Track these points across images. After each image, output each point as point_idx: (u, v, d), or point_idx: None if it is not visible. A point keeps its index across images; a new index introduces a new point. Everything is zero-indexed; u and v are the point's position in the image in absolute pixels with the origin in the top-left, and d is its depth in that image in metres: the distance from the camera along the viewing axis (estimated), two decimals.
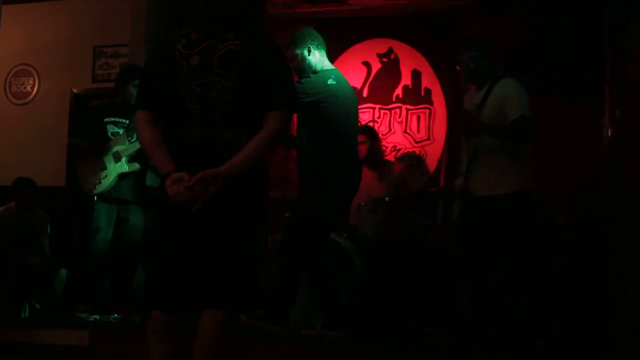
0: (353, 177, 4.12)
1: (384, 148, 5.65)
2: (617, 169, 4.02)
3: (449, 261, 4.62)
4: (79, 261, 4.91)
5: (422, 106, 5.80)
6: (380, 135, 5.51)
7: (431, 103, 5.77)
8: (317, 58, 4.08)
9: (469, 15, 5.71)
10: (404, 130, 5.81)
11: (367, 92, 5.96)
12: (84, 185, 4.78)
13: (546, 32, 5.24)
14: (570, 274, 4.39)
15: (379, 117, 5.85)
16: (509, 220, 3.74)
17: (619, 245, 3.81)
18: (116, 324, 4.46)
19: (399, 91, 5.88)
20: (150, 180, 4.78)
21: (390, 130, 5.80)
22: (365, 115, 5.89)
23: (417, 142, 5.76)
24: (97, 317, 4.55)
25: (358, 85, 5.97)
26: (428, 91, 5.80)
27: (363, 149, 5.11)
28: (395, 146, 5.77)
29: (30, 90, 6.86)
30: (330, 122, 3.96)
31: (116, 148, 4.77)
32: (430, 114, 5.76)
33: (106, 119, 4.85)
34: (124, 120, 4.85)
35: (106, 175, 4.74)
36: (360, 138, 5.13)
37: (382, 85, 5.92)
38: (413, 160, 5.72)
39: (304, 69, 4.04)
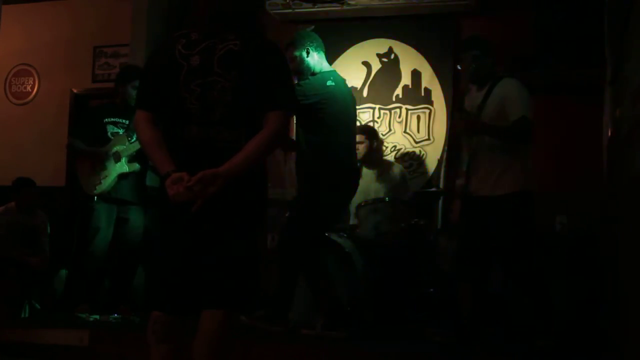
0: (351, 179, 4.13)
1: (384, 148, 5.65)
2: (617, 169, 4.02)
3: (450, 261, 4.63)
4: (79, 261, 4.91)
5: (422, 106, 5.79)
6: (380, 135, 5.52)
7: (431, 103, 5.76)
8: (316, 60, 4.09)
9: (469, 15, 5.71)
10: (404, 130, 5.80)
11: (367, 92, 5.95)
12: (84, 186, 4.78)
13: (546, 32, 5.23)
14: (570, 274, 4.39)
15: (379, 117, 5.85)
16: (510, 220, 3.73)
17: (618, 245, 3.81)
18: (116, 324, 4.46)
19: (399, 91, 5.88)
20: (150, 180, 4.79)
21: (390, 130, 5.80)
22: (365, 115, 5.89)
23: (417, 142, 5.75)
24: (97, 317, 4.56)
25: (358, 85, 5.96)
26: (428, 91, 5.79)
27: (362, 148, 5.12)
28: (395, 146, 5.77)
29: (30, 90, 6.86)
30: (329, 124, 3.97)
31: (116, 148, 4.77)
32: (430, 114, 5.75)
33: (106, 119, 4.85)
34: (123, 121, 4.85)
35: (106, 176, 4.74)
36: (360, 137, 5.14)
37: (382, 85, 5.92)
38: (413, 160, 5.72)
39: (303, 70, 4.05)
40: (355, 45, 6.02)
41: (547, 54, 5.18)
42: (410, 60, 5.86)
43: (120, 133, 4.83)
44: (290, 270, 4.06)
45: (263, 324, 3.96)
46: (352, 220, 5.08)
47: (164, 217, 2.47)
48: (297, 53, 4.04)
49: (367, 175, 5.20)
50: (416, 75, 5.84)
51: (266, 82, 2.38)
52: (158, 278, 2.48)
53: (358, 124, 5.78)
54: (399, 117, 5.83)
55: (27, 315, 5.11)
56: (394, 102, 5.87)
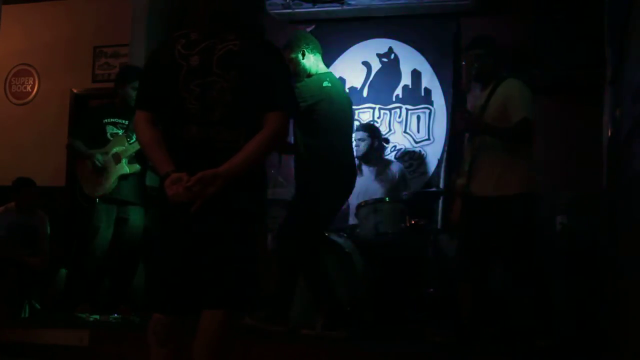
0: (349, 180, 4.14)
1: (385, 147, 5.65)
2: (617, 169, 4.02)
3: (450, 261, 4.63)
4: (79, 261, 4.91)
5: (422, 106, 5.79)
6: (382, 134, 5.53)
7: (431, 103, 5.76)
8: (312, 61, 4.11)
9: (469, 15, 5.71)
10: (404, 130, 5.80)
11: (367, 92, 5.96)
12: (85, 187, 4.78)
13: (546, 32, 5.23)
14: (570, 274, 4.39)
15: (379, 117, 5.85)
16: (512, 221, 3.73)
17: (618, 245, 3.81)
18: (116, 324, 4.46)
19: (399, 91, 5.88)
20: (150, 180, 4.79)
21: (390, 130, 5.80)
22: (365, 115, 5.89)
23: (417, 142, 5.75)
24: (97, 317, 4.56)
25: (358, 85, 5.97)
26: (428, 91, 5.79)
27: (363, 145, 5.14)
28: (395, 146, 5.77)
29: (30, 90, 6.86)
30: (327, 125, 3.98)
31: (115, 149, 4.77)
32: (430, 114, 5.75)
33: (105, 120, 4.85)
34: (123, 121, 4.85)
35: (107, 178, 4.74)
36: (362, 135, 5.16)
37: (382, 85, 5.92)
38: (413, 160, 5.72)
39: (299, 72, 4.06)
40: (355, 45, 6.02)
41: (547, 54, 5.18)
42: (410, 60, 5.86)
43: (120, 133, 4.82)
44: (290, 270, 4.06)
45: (264, 324, 3.97)
46: (352, 220, 5.09)
47: (164, 217, 2.47)
48: (292, 55, 4.06)
49: (367, 173, 5.22)
50: (416, 75, 5.84)
51: (265, 82, 2.38)
52: (158, 278, 2.48)
53: (358, 123, 5.82)
54: (399, 117, 5.83)
55: (27, 315, 5.10)
56: (394, 102, 5.87)
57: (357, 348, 3.79)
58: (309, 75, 4.09)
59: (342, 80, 5.93)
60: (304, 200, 4.07)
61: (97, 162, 4.71)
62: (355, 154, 5.18)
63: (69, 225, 5.81)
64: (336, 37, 5.97)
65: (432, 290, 4.67)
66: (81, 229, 4.99)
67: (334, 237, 4.60)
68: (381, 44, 5.95)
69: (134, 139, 4.64)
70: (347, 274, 4.46)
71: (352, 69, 5.98)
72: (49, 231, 5.64)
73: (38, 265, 5.39)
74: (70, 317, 4.59)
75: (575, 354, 3.91)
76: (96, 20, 6.65)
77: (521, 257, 3.74)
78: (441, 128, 5.69)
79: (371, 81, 5.96)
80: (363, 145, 5.17)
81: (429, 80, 5.78)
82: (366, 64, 5.98)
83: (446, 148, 5.62)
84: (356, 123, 5.84)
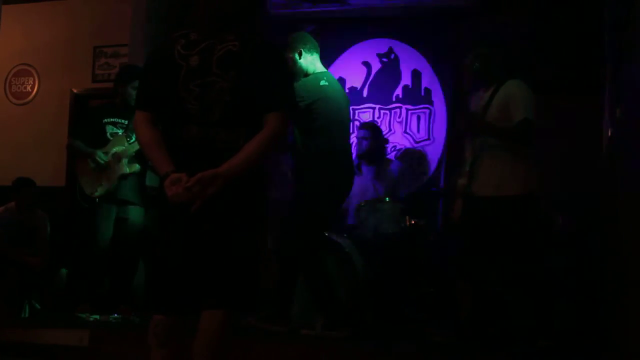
0: (347, 179, 4.14)
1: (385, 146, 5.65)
2: (617, 168, 4.02)
3: (451, 260, 4.63)
4: (79, 261, 4.91)
5: (422, 106, 5.79)
6: (383, 134, 5.53)
7: (431, 103, 5.76)
8: (309, 61, 4.14)
9: (469, 15, 5.71)
10: (404, 130, 5.80)
11: (367, 92, 5.96)
12: (85, 187, 4.78)
13: (546, 32, 5.23)
14: (570, 274, 4.39)
15: (379, 117, 5.85)
16: (514, 222, 3.73)
17: (618, 245, 3.81)
18: (116, 324, 4.46)
19: (399, 91, 5.88)
20: (150, 180, 4.78)
21: (390, 130, 5.80)
22: (365, 115, 5.89)
23: (417, 142, 5.75)
24: (97, 317, 4.56)
25: (358, 85, 5.97)
26: (428, 91, 5.79)
27: (365, 144, 5.15)
28: (395, 146, 5.77)
29: (30, 90, 6.86)
30: (325, 124, 3.99)
31: (115, 149, 4.77)
32: (430, 114, 5.75)
33: (105, 120, 4.85)
34: (123, 121, 4.85)
35: (106, 177, 4.74)
36: (363, 133, 5.18)
37: (382, 85, 5.92)
38: (413, 160, 5.72)
39: (296, 72, 4.08)
40: (355, 45, 6.02)
41: (547, 54, 5.18)
42: (410, 60, 5.86)
43: (120, 133, 4.82)
44: (290, 270, 4.06)
45: (265, 324, 3.97)
46: (352, 220, 5.09)
47: (164, 218, 2.47)
48: (289, 55, 4.07)
49: (366, 172, 5.22)
50: (416, 75, 5.84)
51: (265, 82, 2.38)
52: (158, 278, 2.47)
53: (358, 124, 5.82)
54: (399, 117, 5.83)
55: (27, 315, 5.10)
56: (394, 102, 5.87)
57: (357, 348, 3.79)
58: (306, 74, 4.11)
59: (342, 81, 5.94)
60: (303, 200, 4.08)
61: (99, 159, 4.71)
62: (357, 152, 5.21)
63: (69, 225, 5.81)
64: (336, 37, 5.97)
65: (432, 290, 4.67)
66: (81, 229, 4.99)
67: (334, 237, 4.60)
68: (381, 44, 5.95)
69: (134, 139, 4.64)
70: (347, 274, 4.46)
71: (352, 69, 5.98)
72: (49, 231, 5.64)
73: (38, 265, 5.39)
74: (70, 317, 4.60)
75: (575, 354, 3.91)
76: (96, 20, 6.65)
77: (522, 257, 3.74)
78: (441, 128, 5.69)
79: (371, 81, 5.96)
80: (365, 144, 5.18)
81: (429, 80, 5.78)
82: (366, 64, 5.98)
83: (446, 148, 5.62)
84: (357, 123, 5.87)
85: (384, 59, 5.94)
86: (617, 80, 4.17)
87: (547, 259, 4.22)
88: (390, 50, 5.93)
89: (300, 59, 4.11)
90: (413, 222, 4.72)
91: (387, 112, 5.86)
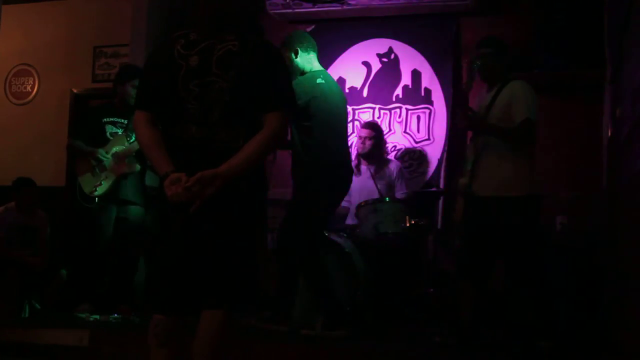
0: (343, 177, 4.14)
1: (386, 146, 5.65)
2: (617, 168, 4.02)
3: (450, 261, 4.63)
4: (79, 261, 4.91)
5: (422, 106, 5.79)
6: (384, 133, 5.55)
7: (431, 103, 5.76)
8: (305, 60, 4.16)
9: (469, 15, 5.71)
10: (404, 130, 5.80)
11: (367, 92, 5.95)
12: (85, 187, 4.78)
13: (546, 32, 5.23)
14: (570, 274, 4.39)
15: (379, 117, 5.85)
16: (517, 223, 3.73)
17: (618, 245, 3.81)
18: (116, 324, 4.46)
19: (399, 91, 5.87)
20: (150, 180, 4.79)
21: (390, 130, 5.80)
22: (365, 115, 5.89)
23: (417, 142, 5.75)
24: (97, 317, 4.56)
25: (358, 85, 5.96)
26: (428, 91, 5.79)
27: (368, 143, 5.16)
28: (395, 146, 5.77)
29: (30, 90, 6.86)
30: (322, 122, 3.99)
31: (115, 149, 4.77)
32: (430, 114, 5.75)
33: (104, 119, 4.85)
34: (122, 121, 4.86)
35: (106, 177, 4.74)
36: (368, 133, 5.18)
37: (382, 85, 5.92)
38: (413, 160, 5.72)
39: (292, 71, 4.08)
40: (355, 45, 6.01)
41: (547, 54, 5.18)
42: (410, 60, 5.86)
43: (119, 133, 4.82)
44: (291, 270, 4.07)
45: (267, 325, 3.98)
46: (352, 220, 5.09)
47: (164, 218, 2.47)
48: (285, 54, 4.08)
49: (365, 172, 5.23)
50: (416, 75, 5.84)
51: (265, 83, 2.38)
52: (158, 278, 2.48)
53: (358, 124, 5.82)
54: (399, 117, 5.83)
55: (27, 315, 5.10)
56: (394, 102, 5.86)
57: (357, 348, 3.79)
58: (303, 73, 4.13)
59: (342, 81, 5.94)
60: (302, 199, 4.08)
61: (101, 157, 4.71)
62: (360, 152, 5.21)
63: (69, 225, 5.80)
64: (336, 37, 5.97)
65: (432, 290, 4.67)
66: (81, 229, 4.99)
67: (334, 237, 4.60)
68: (381, 44, 5.95)
69: (134, 139, 4.64)
70: (347, 274, 4.46)
71: (352, 69, 5.97)
72: (49, 231, 5.64)
73: (38, 265, 5.39)
74: (70, 317, 4.60)
75: (576, 354, 3.91)
76: (96, 20, 6.65)
77: (523, 258, 3.74)
78: (441, 128, 5.68)
79: (371, 81, 5.96)
80: (369, 144, 5.20)
81: (429, 80, 5.78)
82: (366, 64, 5.98)
83: (446, 148, 5.62)
84: (357, 123, 5.87)
85: (384, 59, 5.94)
86: (617, 81, 4.17)
87: (547, 259, 4.22)
88: (390, 50, 5.92)
89: (296, 57, 4.13)
90: (413, 222, 4.72)
91: (387, 112, 5.86)
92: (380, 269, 4.66)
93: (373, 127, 5.30)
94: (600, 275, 4.25)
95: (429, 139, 5.73)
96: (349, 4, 5.73)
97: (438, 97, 5.74)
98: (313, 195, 4.00)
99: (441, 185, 5.55)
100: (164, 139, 2.42)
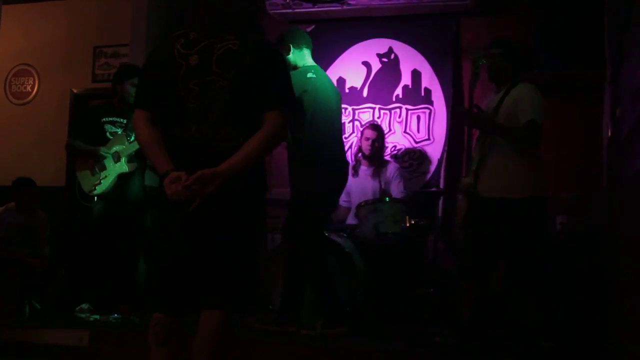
0: (337, 172, 4.14)
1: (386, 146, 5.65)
2: (617, 168, 4.02)
3: (450, 261, 4.63)
4: (79, 261, 4.91)
5: (422, 106, 5.79)
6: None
7: (431, 103, 5.76)
8: (298, 56, 4.19)
9: (469, 15, 5.71)
10: (404, 130, 5.80)
11: (367, 92, 5.95)
12: (84, 186, 4.78)
13: (546, 32, 5.23)
14: (570, 274, 4.39)
15: (379, 117, 5.85)
16: (522, 225, 3.73)
17: (618, 245, 3.81)
18: (116, 324, 4.46)
19: (399, 91, 5.87)
20: (149, 180, 4.79)
21: (390, 130, 5.80)
22: (365, 115, 5.89)
23: (417, 142, 5.75)
24: (97, 317, 4.56)
25: (358, 85, 5.96)
26: (428, 91, 5.79)
27: (372, 144, 5.16)
28: (395, 146, 5.77)
29: (30, 90, 6.86)
30: (313, 117, 3.99)
31: (115, 148, 4.77)
32: (430, 114, 5.75)
33: (104, 119, 4.85)
34: (121, 120, 4.86)
35: (106, 176, 4.74)
36: (372, 134, 5.19)
37: (382, 85, 5.92)
38: (413, 160, 5.72)
39: None
40: (355, 45, 6.01)
41: (547, 54, 5.18)
42: (410, 60, 5.86)
43: (119, 132, 4.83)
44: (298, 270, 4.07)
45: (275, 327, 3.98)
46: (352, 220, 5.09)
47: (163, 217, 2.47)
48: None
49: (363, 172, 5.23)
50: (416, 75, 5.84)
51: (264, 82, 2.39)
52: (158, 278, 2.48)
53: (358, 124, 5.82)
54: (399, 117, 5.83)
55: (27, 315, 5.10)
56: (394, 102, 5.86)
57: (357, 348, 3.79)
58: (295, 68, 4.15)
59: (342, 80, 5.95)
60: (299, 197, 4.08)
61: (103, 154, 4.71)
62: (367, 153, 5.21)
63: (69, 225, 5.81)
64: (336, 37, 5.97)
65: (432, 290, 4.67)
66: (81, 229, 5.00)
67: (334, 237, 4.60)
68: (381, 44, 5.95)
69: (133, 138, 4.64)
70: (347, 274, 4.47)
71: (352, 69, 5.97)
72: (49, 231, 5.64)
73: (38, 265, 5.39)
74: (70, 317, 4.60)
75: (576, 355, 3.91)
76: (96, 20, 6.65)
77: (526, 259, 3.74)
78: (441, 128, 5.68)
79: (371, 81, 5.96)
80: (375, 145, 5.21)
81: (429, 80, 5.78)
82: (366, 64, 5.98)
83: (446, 148, 5.62)
84: (357, 123, 5.87)
85: (384, 59, 5.94)
86: (617, 81, 4.17)
87: (547, 259, 4.22)
88: (390, 50, 5.92)
89: (289, 54, 4.15)
90: (413, 222, 4.73)
91: (387, 112, 5.86)
92: (380, 269, 4.66)
93: (378, 129, 5.33)
94: (600, 275, 4.25)
95: (429, 139, 5.73)
96: (349, 4, 5.73)
97: (438, 97, 5.74)
98: (308, 191, 4.01)
99: (441, 185, 5.55)
100: (164, 138, 2.42)
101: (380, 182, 5.11)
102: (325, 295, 4.07)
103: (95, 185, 4.75)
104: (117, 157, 4.75)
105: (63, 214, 6.01)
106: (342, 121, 5.77)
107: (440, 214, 5.35)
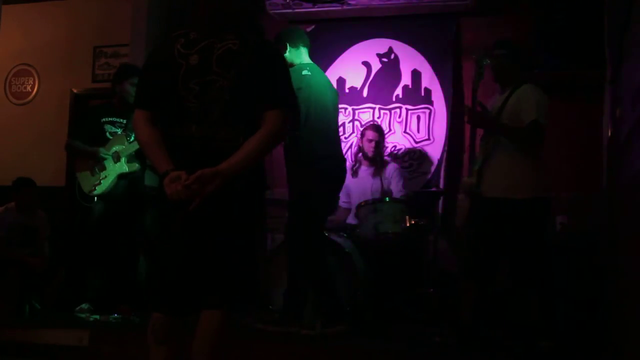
0: (334, 169, 4.14)
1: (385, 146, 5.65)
2: (617, 168, 4.02)
3: (449, 261, 4.63)
4: (78, 261, 4.92)
5: (422, 106, 5.79)
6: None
7: (431, 103, 5.76)
8: (294, 55, 4.21)
9: (469, 15, 5.71)
10: (404, 130, 5.80)
11: (367, 92, 5.95)
12: (84, 186, 4.78)
13: (546, 32, 5.23)
14: (571, 274, 4.39)
15: (379, 117, 5.85)
16: (526, 226, 3.73)
17: (618, 245, 3.81)
18: (116, 324, 4.46)
19: (399, 91, 5.87)
20: (149, 180, 4.79)
21: (390, 130, 5.80)
22: (365, 115, 5.89)
23: (417, 142, 5.75)
24: (97, 317, 4.56)
25: (358, 85, 5.96)
26: (428, 91, 5.79)
27: (375, 146, 5.17)
28: (395, 146, 5.77)
29: (30, 90, 6.86)
30: (308, 114, 3.99)
31: (115, 148, 4.77)
32: (430, 114, 5.75)
33: (103, 119, 4.85)
34: (121, 120, 4.86)
35: (106, 176, 4.74)
36: (374, 135, 5.19)
37: (382, 85, 5.92)
38: (413, 160, 5.72)
39: None
40: (355, 45, 6.01)
41: (547, 54, 5.17)
42: (410, 60, 5.86)
43: (119, 132, 4.83)
44: (300, 270, 4.06)
45: (277, 327, 3.97)
46: (352, 220, 5.09)
47: (163, 217, 2.47)
48: None
49: (365, 172, 5.23)
50: (416, 75, 5.84)
51: (264, 81, 2.39)
52: (158, 277, 2.48)
53: (358, 124, 5.82)
54: (399, 117, 5.82)
55: (27, 315, 5.10)
56: (394, 102, 5.86)
57: (357, 348, 3.79)
58: (291, 66, 4.15)
59: (342, 80, 5.95)
60: (298, 198, 4.08)
61: (103, 156, 4.71)
62: (370, 155, 5.21)
63: (69, 225, 5.81)
64: (336, 37, 5.98)
65: (432, 290, 4.66)
66: (80, 229, 5.00)
67: (334, 237, 4.60)
68: (381, 44, 5.95)
69: (133, 138, 4.64)
70: (347, 274, 4.47)
71: (352, 69, 5.97)
72: (49, 231, 5.64)
73: (38, 265, 5.38)
74: (70, 317, 4.60)
75: (576, 355, 3.91)
76: (96, 20, 6.65)
77: (528, 260, 3.74)
78: (441, 128, 5.68)
79: (371, 81, 5.96)
80: (375, 146, 5.21)
81: (429, 80, 5.78)
82: (366, 64, 5.98)
83: (446, 148, 5.62)
84: (357, 123, 5.87)
85: (384, 59, 5.94)
86: (617, 81, 4.17)
87: (547, 259, 4.22)
88: (390, 50, 5.92)
89: (285, 53, 4.17)
90: (413, 222, 4.73)
91: (387, 112, 5.86)
92: (380, 269, 4.66)
93: (379, 130, 5.33)
94: (600, 275, 4.25)
95: (429, 139, 5.72)
96: (349, 4, 5.73)
97: (438, 97, 5.74)
98: (306, 190, 4.01)
99: (441, 185, 5.55)
100: (164, 138, 2.42)
101: (381, 182, 5.11)
102: (325, 295, 4.07)
103: (95, 186, 4.75)
104: (116, 157, 4.75)
105: (63, 214, 6.01)
106: (342, 121, 5.82)
107: (440, 214, 5.35)
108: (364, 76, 5.97)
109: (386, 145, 5.59)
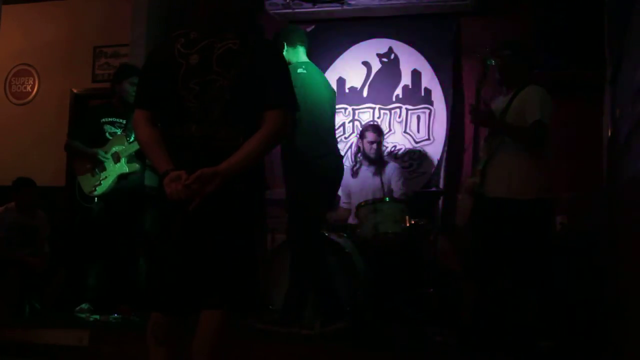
0: (330, 168, 4.14)
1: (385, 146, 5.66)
2: (617, 168, 4.02)
3: (450, 261, 4.63)
4: (78, 261, 4.92)
5: (422, 106, 5.79)
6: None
7: (431, 103, 5.76)
8: (291, 53, 4.21)
9: (469, 15, 5.71)
10: (404, 130, 5.80)
11: (367, 92, 5.95)
12: (84, 187, 4.78)
13: (546, 32, 5.23)
14: (571, 274, 4.39)
15: (379, 117, 5.85)
16: (529, 227, 3.72)
17: (618, 245, 3.80)
18: (116, 324, 4.46)
19: (399, 91, 5.88)
20: (149, 180, 4.79)
21: (390, 130, 5.80)
22: (365, 115, 5.89)
23: (417, 142, 5.75)
24: (97, 317, 4.56)
25: (358, 85, 5.97)
26: (428, 91, 5.79)
27: (375, 146, 5.17)
28: (395, 146, 5.77)
29: (30, 90, 6.86)
30: (303, 113, 3.97)
31: (115, 149, 4.77)
32: (430, 114, 5.75)
33: (103, 119, 4.85)
34: (121, 120, 4.86)
35: (106, 177, 4.74)
36: (374, 137, 5.20)
37: (382, 85, 5.92)
38: (413, 160, 5.72)
39: None
40: (355, 45, 6.02)
41: (547, 54, 5.17)
42: (410, 60, 5.86)
43: (118, 133, 4.82)
44: (301, 270, 4.06)
45: (278, 327, 3.97)
46: (352, 220, 5.09)
47: (163, 217, 2.47)
48: None
49: (365, 172, 5.24)
50: (416, 75, 5.84)
51: (265, 81, 2.39)
52: (157, 277, 2.48)
53: (358, 124, 5.82)
54: (399, 117, 5.83)
55: (27, 315, 5.10)
56: (394, 102, 5.87)
57: (357, 348, 3.79)
58: (288, 63, 4.15)
59: (342, 80, 5.95)
60: (295, 197, 4.08)
61: (102, 158, 4.71)
62: (371, 156, 5.21)
63: (69, 225, 5.81)
64: (336, 37, 5.98)
65: (432, 290, 4.67)
66: (81, 229, 5.00)
67: (334, 237, 4.60)
68: (381, 44, 5.95)
69: (133, 138, 4.64)
70: (347, 274, 4.46)
71: (352, 69, 5.98)
72: (49, 231, 5.64)
73: (38, 265, 5.39)
74: (70, 317, 4.60)
75: (576, 355, 3.91)
76: (96, 20, 6.65)
77: (530, 260, 3.74)
78: (441, 128, 5.68)
79: (371, 81, 5.96)
80: (376, 147, 5.22)
81: (429, 80, 5.78)
82: (366, 64, 5.98)
83: (446, 148, 5.62)
84: (357, 123, 5.87)
85: (384, 59, 5.94)
86: (617, 81, 4.17)
87: (547, 259, 4.22)
88: (390, 50, 5.92)
89: (282, 51, 4.16)
90: (413, 222, 4.73)
91: (387, 112, 5.86)
92: (380, 269, 4.66)
93: (379, 130, 5.33)
94: (600, 275, 4.25)
95: (429, 139, 5.73)
96: (349, 4, 5.73)
97: (438, 97, 5.74)
98: (303, 189, 4.01)
99: (441, 185, 5.55)
100: (164, 138, 2.42)
101: (382, 181, 5.11)
102: (325, 295, 4.07)
103: (95, 186, 4.75)
104: (116, 158, 4.75)
105: (63, 214, 6.01)
106: (342, 121, 5.82)
107: (440, 214, 5.35)
108: (364, 76, 5.97)
109: (386, 145, 5.59)
